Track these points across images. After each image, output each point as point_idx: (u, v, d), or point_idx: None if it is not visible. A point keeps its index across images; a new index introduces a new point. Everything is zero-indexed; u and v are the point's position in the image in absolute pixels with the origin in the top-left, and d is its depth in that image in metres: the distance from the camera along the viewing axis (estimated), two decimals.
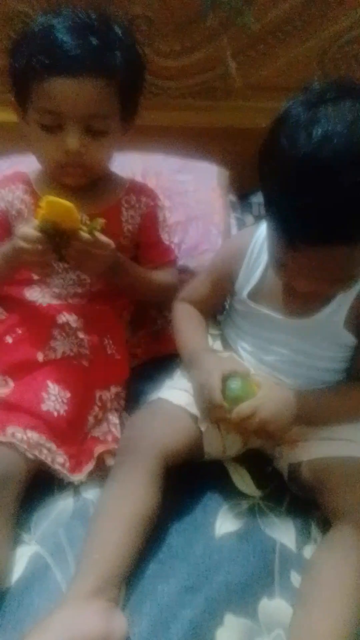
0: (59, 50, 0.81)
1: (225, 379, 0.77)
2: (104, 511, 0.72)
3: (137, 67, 0.91)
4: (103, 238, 0.84)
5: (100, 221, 0.83)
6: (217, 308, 0.99)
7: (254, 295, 0.84)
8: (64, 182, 0.95)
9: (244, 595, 0.70)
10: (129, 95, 0.90)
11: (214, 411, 0.77)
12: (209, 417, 0.80)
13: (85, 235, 0.82)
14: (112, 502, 0.73)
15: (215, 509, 0.80)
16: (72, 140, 0.86)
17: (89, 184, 0.96)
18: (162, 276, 1.02)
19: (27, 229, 0.81)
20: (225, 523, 0.78)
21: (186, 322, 0.94)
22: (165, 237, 1.05)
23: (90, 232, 0.82)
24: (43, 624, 0.60)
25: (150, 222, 1.03)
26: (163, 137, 1.49)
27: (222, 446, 0.83)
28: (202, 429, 0.80)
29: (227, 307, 0.97)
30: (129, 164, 1.25)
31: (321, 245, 0.62)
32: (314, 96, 0.63)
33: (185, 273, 1.11)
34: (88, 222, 0.83)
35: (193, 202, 1.20)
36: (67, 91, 0.83)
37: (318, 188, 0.59)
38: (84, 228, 0.82)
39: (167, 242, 1.05)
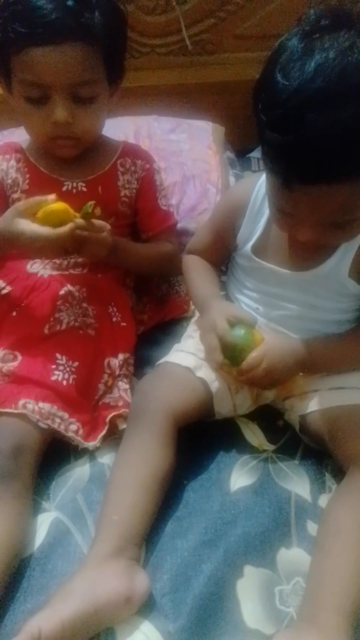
0: (34, 17, 0.78)
1: (230, 326, 0.77)
2: (120, 474, 0.73)
3: (119, 26, 0.87)
4: (98, 221, 0.84)
5: (90, 204, 0.82)
6: (222, 259, 0.98)
7: (258, 249, 0.83)
8: (55, 154, 0.93)
9: (262, 546, 0.71)
10: (114, 57, 0.87)
11: (215, 361, 0.79)
12: (211, 365, 0.80)
13: (79, 220, 0.81)
14: (127, 465, 0.74)
15: (229, 465, 0.81)
16: (60, 111, 0.84)
17: (82, 152, 0.94)
18: (162, 247, 1.01)
19: (36, 232, 0.80)
20: (239, 478, 0.79)
21: (195, 271, 0.94)
22: (163, 202, 1.03)
23: (84, 217, 0.82)
24: (67, 586, 0.62)
25: (147, 187, 1.01)
26: (154, 98, 1.46)
27: (232, 405, 0.83)
28: (213, 390, 0.80)
29: (229, 266, 0.96)
30: (120, 127, 1.22)
31: (318, 183, 0.60)
32: (309, 24, 0.60)
33: (186, 235, 1.10)
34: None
35: (189, 161, 1.18)
36: (47, 60, 0.80)
37: (311, 121, 0.56)
38: (77, 214, 0.82)
39: (165, 208, 1.03)
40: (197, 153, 1.21)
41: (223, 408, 0.83)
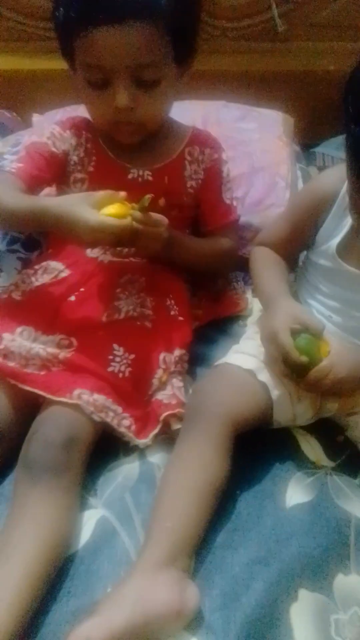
0: None
1: (294, 334, 0.73)
2: (174, 478, 0.70)
3: (189, 4, 0.82)
4: (155, 215, 0.80)
5: (148, 197, 0.78)
6: (295, 256, 0.93)
7: (341, 250, 0.77)
8: (119, 140, 0.89)
9: (318, 570, 0.67)
10: (182, 37, 0.81)
11: (279, 368, 0.75)
12: (275, 371, 0.76)
13: (136, 213, 0.77)
14: (181, 469, 0.70)
15: (285, 479, 0.77)
16: (121, 96, 0.80)
17: (147, 137, 0.90)
18: (220, 244, 0.96)
19: (103, 222, 0.76)
20: (295, 494, 0.75)
21: (264, 264, 0.89)
22: (227, 195, 0.98)
23: (141, 210, 0.78)
24: (116, 593, 0.59)
25: (213, 179, 0.96)
26: (223, 84, 1.40)
27: (292, 414, 0.79)
28: (274, 397, 0.76)
29: (300, 263, 0.90)
30: (188, 111, 1.17)
31: None
32: None
33: (249, 230, 1.05)
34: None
35: (258, 152, 1.12)
36: (108, 42, 0.76)
37: None
38: (135, 205, 0.78)
39: (228, 202, 0.98)
40: (267, 144, 1.15)
41: (282, 417, 0.79)
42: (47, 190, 1.00)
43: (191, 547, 0.65)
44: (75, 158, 0.92)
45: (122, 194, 0.78)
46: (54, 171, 0.92)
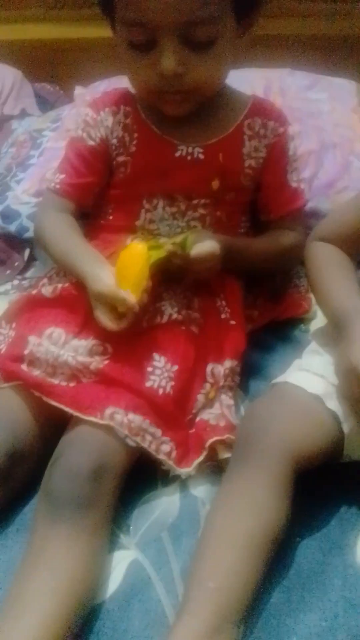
0: None
1: None
2: (220, 525, 0.58)
3: None
4: (204, 249, 0.72)
5: (186, 237, 0.70)
6: None
7: None
8: (165, 112, 0.76)
9: None
10: None
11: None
12: (356, 412, 0.62)
13: (177, 254, 0.71)
14: (229, 515, 0.58)
15: (356, 526, 0.63)
16: (168, 59, 0.67)
17: (198, 108, 0.76)
18: (284, 239, 0.83)
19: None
20: None
21: (330, 268, 0.73)
22: (293, 177, 0.83)
23: (185, 255, 0.71)
24: None
25: (277, 158, 0.82)
26: (287, 50, 1.25)
27: None
28: (345, 430, 0.62)
29: None
30: (247, 80, 1.03)
31: None
32: None
33: (316, 218, 0.90)
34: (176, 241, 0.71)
35: (329, 126, 0.97)
36: None
37: None
38: (176, 241, 0.71)
39: (294, 184, 0.84)
40: (340, 117, 0.99)
41: (355, 451, 0.65)
42: None
43: (240, 613, 0.53)
44: (115, 141, 0.80)
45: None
46: (97, 170, 0.82)
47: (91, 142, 0.81)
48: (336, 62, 1.18)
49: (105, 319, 0.69)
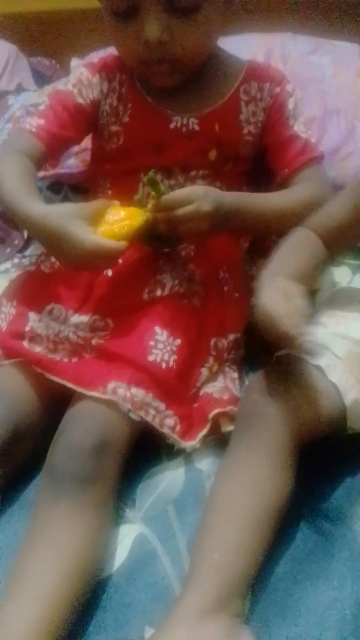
0: None
1: None
2: (224, 498, 0.57)
3: None
4: (182, 190, 0.66)
5: (151, 174, 0.64)
6: (353, 246, 0.77)
7: None
8: (153, 83, 0.73)
9: None
10: None
11: None
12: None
13: (150, 205, 0.65)
14: (233, 487, 0.57)
15: None
16: (151, 26, 0.64)
17: (188, 78, 0.73)
18: (307, 190, 0.76)
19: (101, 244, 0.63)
20: None
21: (286, 240, 0.70)
22: (301, 129, 0.79)
23: (158, 193, 0.64)
24: None
25: (277, 116, 0.78)
26: (288, 13, 1.20)
27: None
28: (347, 403, 0.61)
29: None
30: (247, 46, 1.00)
31: None
32: None
33: None
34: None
35: (332, 91, 0.94)
36: None
37: None
38: (152, 194, 0.65)
39: (304, 135, 0.79)
40: (343, 81, 0.96)
41: (359, 424, 0.64)
42: (84, 143, 0.87)
43: (245, 585, 0.53)
44: (107, 108, 0.78)
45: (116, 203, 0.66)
46: (79, 127, 0.79)
47: (80, 100, 0.78)
48: (339, 25, 1.13)
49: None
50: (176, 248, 0.74)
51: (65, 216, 0.64)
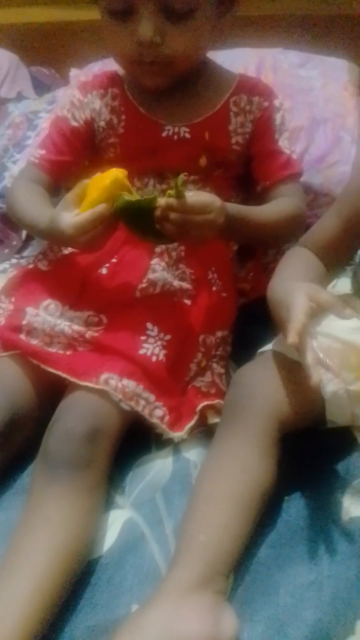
0: None
1: None
2: (210, 484, 0.60)
3: None
4: (202, 198, 0.66)
5: (182, 177, 0.63)
6: (346, 261, 0.78)
7: None
8: (144, 85, 0.77)
9: None
10: None
11: None
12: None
13: (171, 201, 0.63)
14: (219, 474, 0.60)
15: (341, 486, 0.65)
16: (145, 26, 0.68)
17: (183, 83, 0.77)
18: (286, 206, 0.80)
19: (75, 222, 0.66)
20: (355, 505, 0.63)
21: (288, 260, 0.73)
22: (284, 144, 0.83)
23: (179, 195, 0.63)
24: (138, 620, 0.51)
25: (263, 129, 0.82)
26: (278, 30, 1.25)
27: (350, 414, 0.67)
28: (326, 395, 0.64)
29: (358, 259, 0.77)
30: (239, 58, 1.04)
31: None
32: None
33: (308, 192, 0.91)
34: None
35: (320, 102, 0.98)
36: None
37: None
38: (170, 192, 0.64)
39: (287, 152, 0.83)
40: (331, 92, 1.00)
41: (338, 417, 0.66)
42: None
43: (228, 565, 0.55)
44: (102, 124, 0.82)
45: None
46: (77, 151, 0.83)
47: (74, 123, 0.82)
48: (328, 43, 1.18)
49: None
50: (170, 244, 0.75)
51: (55, 217, 0.69)
